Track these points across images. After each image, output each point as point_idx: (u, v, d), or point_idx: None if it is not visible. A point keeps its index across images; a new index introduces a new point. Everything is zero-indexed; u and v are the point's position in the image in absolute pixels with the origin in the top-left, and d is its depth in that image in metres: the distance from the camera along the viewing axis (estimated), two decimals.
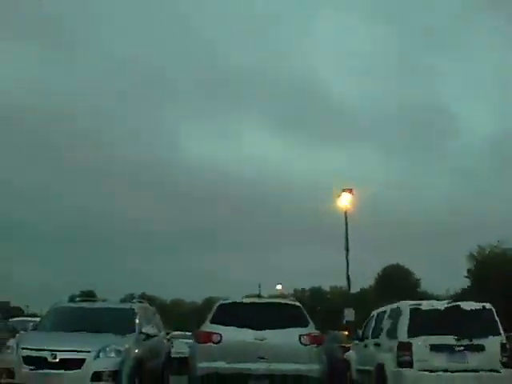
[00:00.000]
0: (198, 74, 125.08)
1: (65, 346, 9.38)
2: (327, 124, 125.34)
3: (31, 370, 9.16)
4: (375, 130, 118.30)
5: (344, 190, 27.47)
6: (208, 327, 9.89)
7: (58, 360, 9.17)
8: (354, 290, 49.18)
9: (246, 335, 9.48)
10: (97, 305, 12.12)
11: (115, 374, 9.31)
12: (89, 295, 11.87)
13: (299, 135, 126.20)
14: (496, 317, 10.99)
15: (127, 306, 12.05)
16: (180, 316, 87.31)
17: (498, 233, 53.05)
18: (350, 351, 14.23)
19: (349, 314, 25.57)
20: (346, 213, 27.23)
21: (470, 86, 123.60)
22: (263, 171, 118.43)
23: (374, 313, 13.19)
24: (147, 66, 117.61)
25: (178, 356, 21.27)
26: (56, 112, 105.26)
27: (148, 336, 11.03)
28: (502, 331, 10.91)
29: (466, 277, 55.67)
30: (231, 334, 9.51)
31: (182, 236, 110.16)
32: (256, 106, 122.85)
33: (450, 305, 11.25)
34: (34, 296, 60.25)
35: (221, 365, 9.29)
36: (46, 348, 9.34)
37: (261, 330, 9.56)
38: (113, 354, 9.47)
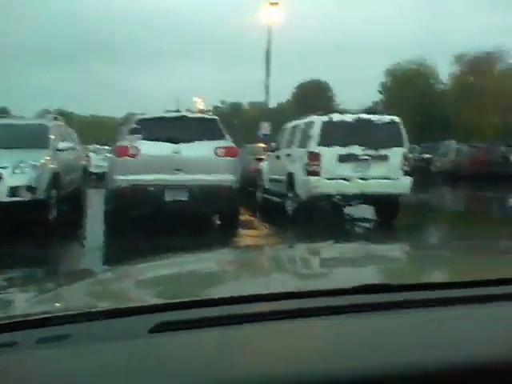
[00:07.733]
0: None
1: None
2: None
3: None
4: None
5: (271, 4, 26.77)
6: (125, 141, 9.94)
7: None
8: (273, 105, 49.77)
9: (163, 148, 9.58)
10: (10, 121, 11.76)
11: (32, 188, 9.34)
12: (2, 112, 11.33)
13: None
14: (402, 129, 11.46)
15: (41, 121, 11.79)
16: (100, 131, 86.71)
17: (414, 52, 53.75)
18: (264, 162, 14.74)
19: (265, 128, 25.46)
20: (269, 26, 26.67)
21: None
22: None
23: (288, 125, 13.44)
24: None
25: (96, 171, 21.56)
26: None
27: (64, 151, 11.02)
28: (405, 143, 11.50)
29: (379, 91, 57.29)
30: (148, 148, 9.57)
31: (95, 51, 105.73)
32: None
33: (360, 117, 11.56)
34: None
35: (138, 177, 9.45)
36: None
37: (177, 143, 9.66)
38: (29, 169, 9.42)
